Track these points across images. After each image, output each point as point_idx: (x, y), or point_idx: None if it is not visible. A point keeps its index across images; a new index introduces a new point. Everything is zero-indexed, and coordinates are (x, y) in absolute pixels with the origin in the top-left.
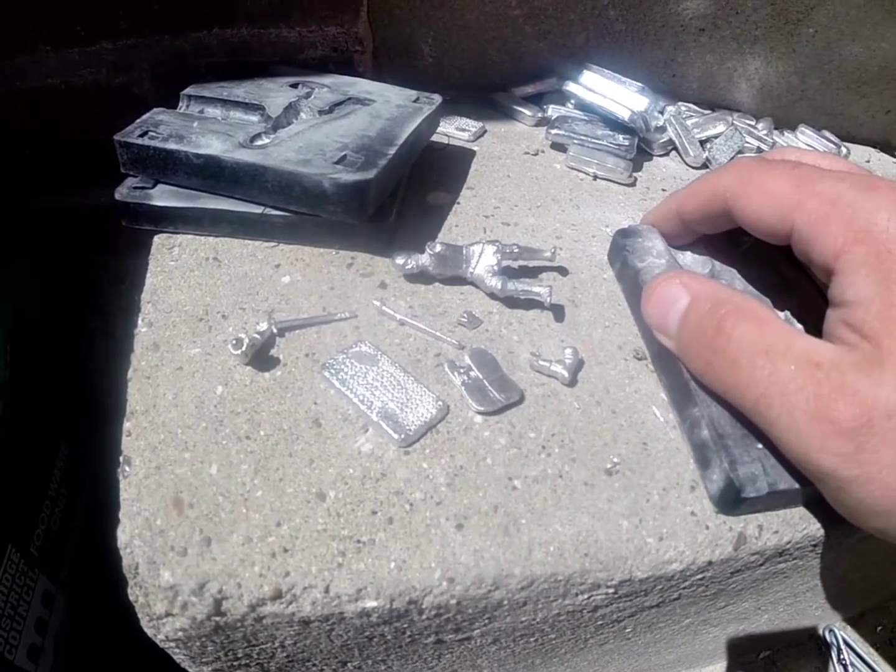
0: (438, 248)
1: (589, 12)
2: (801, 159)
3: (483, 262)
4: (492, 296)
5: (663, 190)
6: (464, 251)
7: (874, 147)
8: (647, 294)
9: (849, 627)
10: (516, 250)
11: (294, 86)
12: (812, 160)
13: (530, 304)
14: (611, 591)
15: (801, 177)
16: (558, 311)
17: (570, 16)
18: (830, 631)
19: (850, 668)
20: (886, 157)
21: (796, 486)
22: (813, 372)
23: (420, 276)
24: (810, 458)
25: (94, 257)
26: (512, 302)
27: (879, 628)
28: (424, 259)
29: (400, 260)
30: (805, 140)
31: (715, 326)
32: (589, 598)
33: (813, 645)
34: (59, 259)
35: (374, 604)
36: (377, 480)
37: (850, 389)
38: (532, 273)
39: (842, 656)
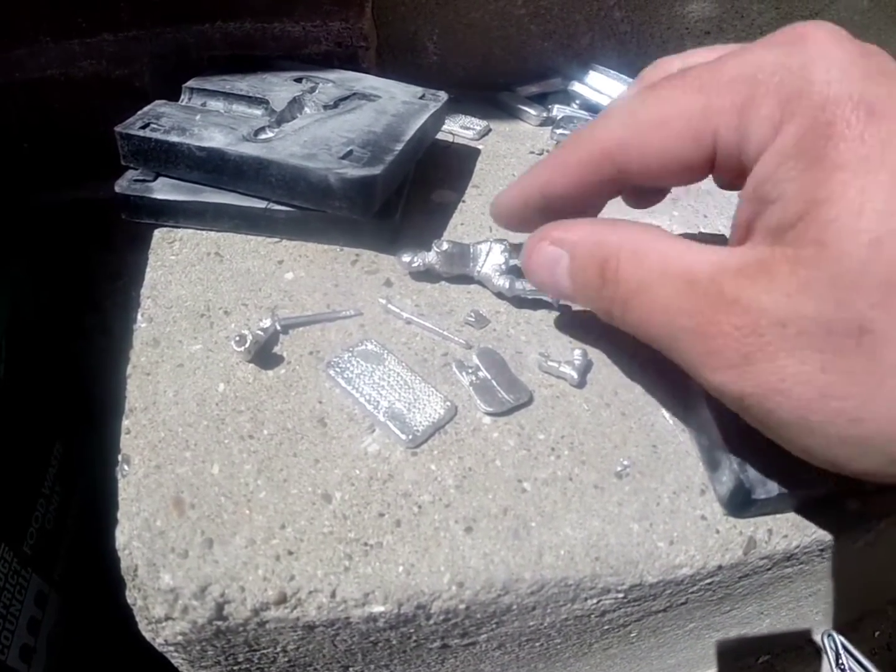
0: (445, 246)
1: (594, 13)
2: (685, 63)
3: (490, 260)
4: (499, 295)
5: None
6: (471, 250)
7: None
8: (526, 263)
9: (847, 632)
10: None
11: (298, 80)
12: (701, 57)
13: (538, 304)
14: (620, 595)
15: (700, 76)
16: (566, 308)
17: (576, 16)
18: (829, 635)
19: None
20: None
21: (806, 487)
22: (690, 291)
23: (426, 275)
24: (700, 376)
25: (92, 252)
26: (520, 302)
27: (877, 633)
28: (431, 257)
29: (406, 258)
30: None
31: (599, 276)
32: (598, 602)
33: (812, 649)
34: (56, 254)
35: (381, 609)
36: (384, 482)
37: (728, 299)
38: None
39: (840, 661)
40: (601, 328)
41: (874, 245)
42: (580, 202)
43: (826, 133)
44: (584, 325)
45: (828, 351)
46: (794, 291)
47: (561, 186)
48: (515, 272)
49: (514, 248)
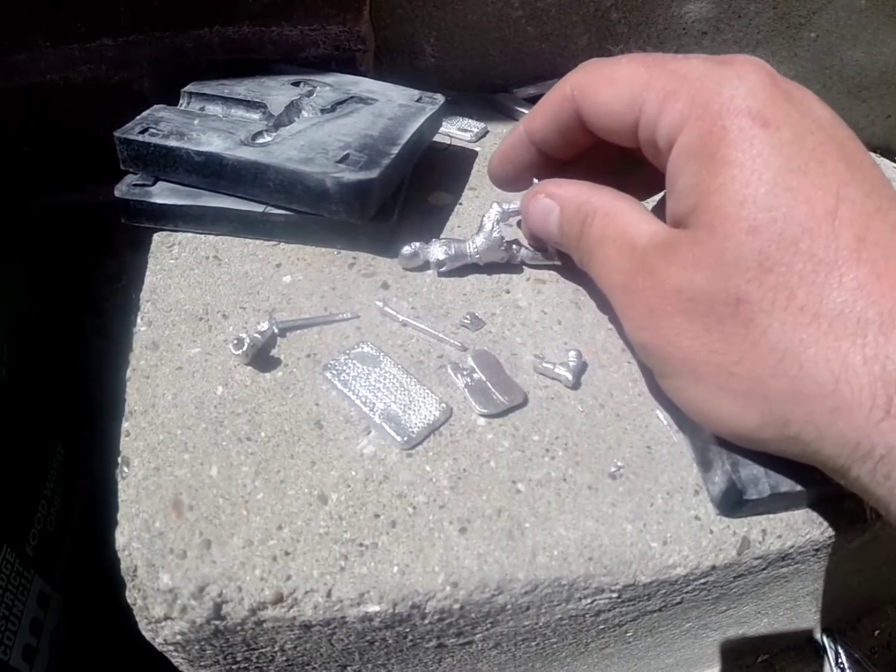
0: (442, 255)
1: (591, 14)
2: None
3: (483, 233)
4: (507, 262)
5: None
6: (467, 248)
7: (875, 152)
8: (524, 212)
9: (847, 631)
10: (514, 207)
11: (296, 84)
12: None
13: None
14: (614, 595)
15: (654, 59)
16: (562, 313)
17: (573, 17)
18: (828, 635)
19: None
20: (887, 161)
21: (798, 488)
22: (629, 254)
23: (425, 266)
24: (625, 327)
25: (92, 256)
26: (524, 263)
27: (877, 632)
28: (430, 254)
29: (407, 251)
30: None
31: (580, 228)
32: (592, 602)
33: (811, 649)
34: (57, 257)
35: (376, 608)
36: (380, 483)
37: (647, 266)
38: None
39: (839, 660)
40: (596, 330)
41: (751, 231)
42: (558, 148)
43: (720, 136)
44: (579, 327)
45: (710, 316)
46: (688, 265)
47: (539, 121)
48: (506, 229)
49: (507, 207)
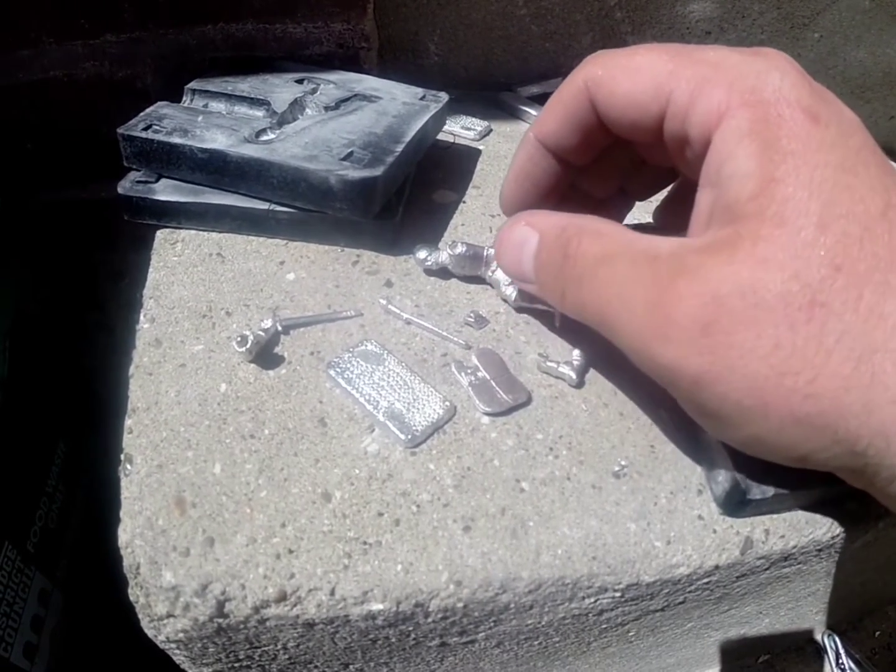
0: (460, 248)
1: (595, 13)
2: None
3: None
4: (504, 300)
5: None
6: (485, 253)
7: None
8: (498, 245)
9: (847, 632)
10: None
11: (299, 81)
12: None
13: (538, 313)
14: (618, 594)
15: (675, 48)
16: (567, 321)
17: (577, 16)
18: (829, 635)
19: None
20: (892, 162)
21: (802, 488)
22: (651, 263)
23: (439, 273)
24: (652, 353)
25: (95, 252)
26: (521, 309)
27: (878, 633)
28: (444, 257)
29: (421, 255)
30: None
31: (562, 254)
32: (595, 601)
33: (812, 649)
34: (60, 254)
35: (380, 606)
36: (384, 481)
37: (689, 269)
38: None
39: (840, 661)
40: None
41: (822, 226)
42: (574, 150)
43: (778, 124)
44: (583, 326)
45: (782, 325)
46: (754, 263)
47: (552, 123)
48: None
49: None
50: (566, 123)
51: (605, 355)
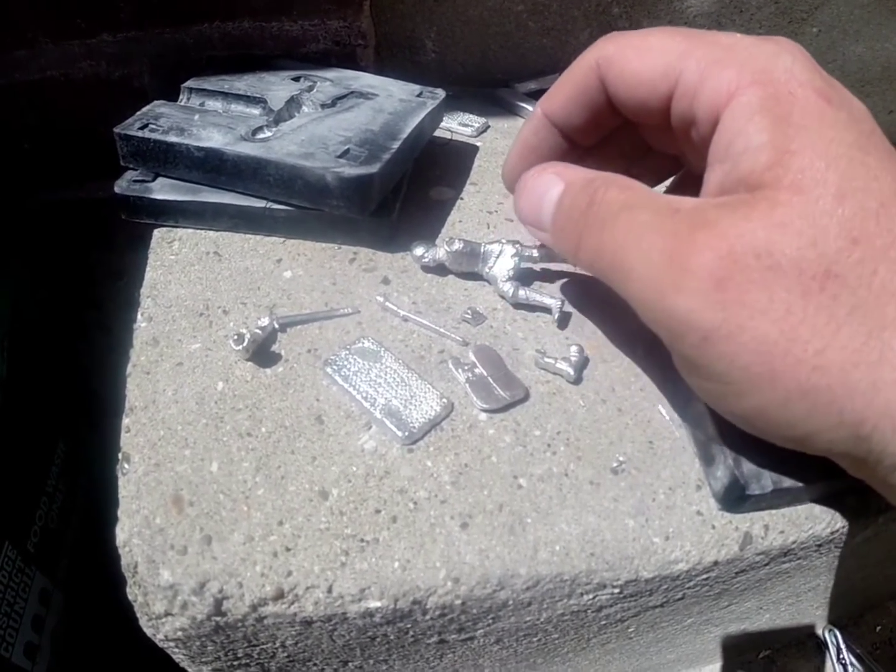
0: (457, 245)
1: (593, 9)
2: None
3: (501, 263)
4: (502, 296)
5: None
6: (482, 249)
7: None
8: (520, 189)
9: (849, 627)
10: (536, 254)
11: (296, 79)
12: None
13: (537, 309)
14: (616, 591)
15: (688, 31)
16: (565, 318)
17: (574, 12)
18: (830, 630)
19: (849, 668)
20: None
21: (801, 483)
22: (673, 215)
23: (436, 269)
24: (665, 303)
25: (93, 252)
26: (519, 305)
27: (879, 628)
28: (442, 254)
29: (418, 251)
30: None
31: (588, 200)
32: (594, 598)
33: (812, 644)
34: (57, 254)
35: (377, 604)
36: (381, 478)
37: (709, 222)
38: (548, 275)
39: (841, 656)
40: (598, 325)
41: (840, 197)
42: (580, 128)
43: (790, 101)
44: (581, 321)
45: (795, 291)
46: (771, 225)
47: (561, 99)
48: (523, 278)
49: (526, 252)
50: (575, 100)
51: (604, 351)
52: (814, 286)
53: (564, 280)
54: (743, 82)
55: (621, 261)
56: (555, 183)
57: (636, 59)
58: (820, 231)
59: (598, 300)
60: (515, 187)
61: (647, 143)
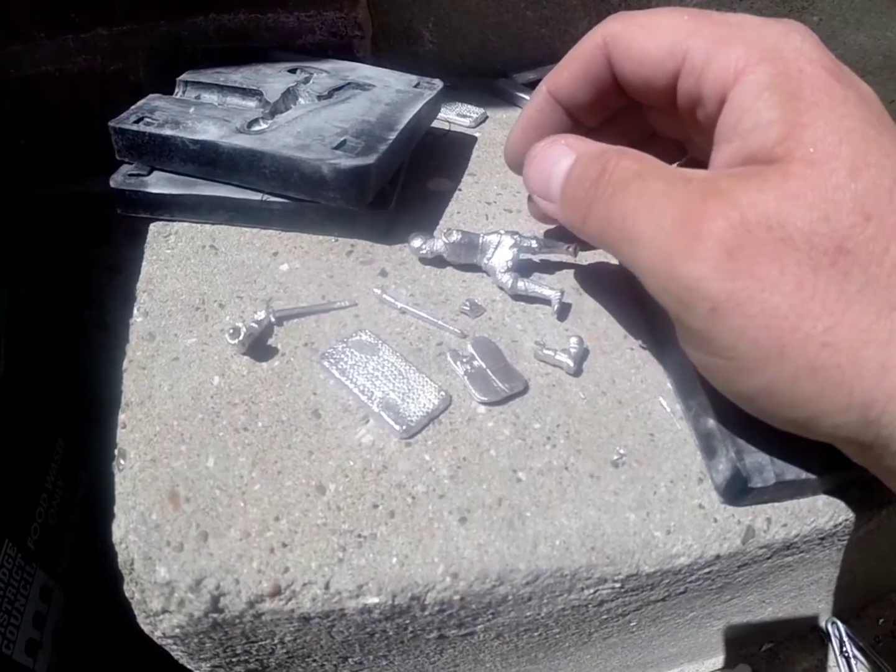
0: (455, 236)
1: None
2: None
3: (499, 254)
4: (500, 287)
5: None
6: (480, 240)
7: None
8: (530, 158)
9: (851, 619)
10: (535, 245)
11: (292, 71)
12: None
13: (535, 301)
14: (617, 585)
15: (696, 10)
16: (564, 310)
17: (573, 2)
18: (833, 623)
19: (852, 661)
20: None
21: (804, 476)
22: (685, 184)
23: (434, 261)
24: (675, 271)
25: (90, 248)
26: (518, 297)
27: (882, 620)
28: (440, 245)
29: (416, 243)
30: None
31: (599, 169)
32: (595, 592)
33: (815, 637)
34: (54, 249)
35: (375, 600)
36: (378, 473)
37: (722, 191)
38: (547, 266)
39: (844, 648)
40: (598, 316)
41: (854, 172)
42: (585, 107)
43: (799, 77)
44: (580, 312)
45: (805, 265)
46: (783, 196)
47: (566, 76)
48: (522, 269)
49: (525, 242)
50: (580, 78)
51: (604, 343)
52: (825, 261)
53: (564, 271)
54: (752, 60)
55: (631, 228)
56: (566, 153)
57: (643, 37)
58: (833, 205)
59: (599, 290)
60: (525, 157)
61: (652, 127)
